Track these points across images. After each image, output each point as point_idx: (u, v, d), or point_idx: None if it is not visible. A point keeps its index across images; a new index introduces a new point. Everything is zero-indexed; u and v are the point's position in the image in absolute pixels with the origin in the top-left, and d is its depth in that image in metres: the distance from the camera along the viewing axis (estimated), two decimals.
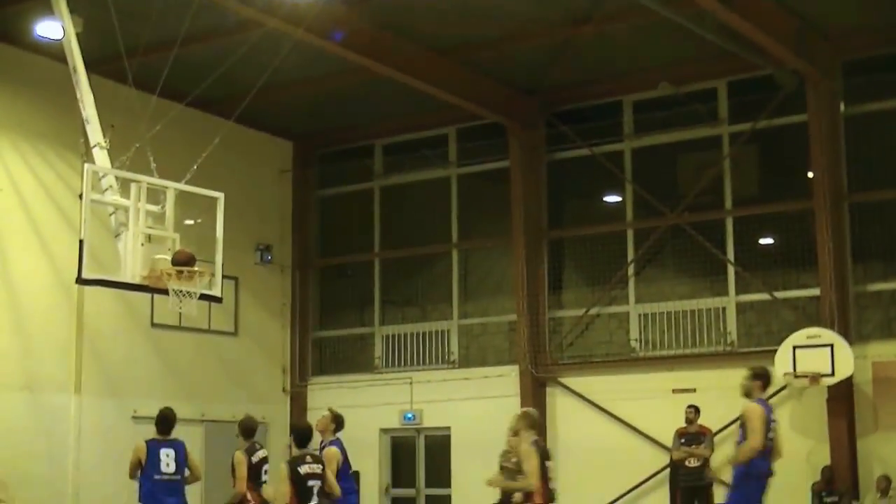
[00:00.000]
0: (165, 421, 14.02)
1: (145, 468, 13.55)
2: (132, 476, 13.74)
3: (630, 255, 23.53)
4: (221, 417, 24.45)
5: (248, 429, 14.91)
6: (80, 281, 17.97)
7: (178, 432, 23.80)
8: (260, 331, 26.06)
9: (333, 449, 14.67)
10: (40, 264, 21.87)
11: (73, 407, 22.07)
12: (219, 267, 19.17)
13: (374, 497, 25.19)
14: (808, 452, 20.77)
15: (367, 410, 25.28)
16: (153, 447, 13.67)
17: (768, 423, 13.38)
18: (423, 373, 25.14)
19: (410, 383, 25.05)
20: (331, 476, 12.57)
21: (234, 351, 25.34)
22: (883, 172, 21.44)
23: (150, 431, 23.34)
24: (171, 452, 13.74)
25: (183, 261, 14.38)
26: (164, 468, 13.63)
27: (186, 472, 14.52)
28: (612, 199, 24.45)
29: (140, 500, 13.64)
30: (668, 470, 21.16)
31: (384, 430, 25.32)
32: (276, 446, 25.81)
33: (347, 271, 27.36)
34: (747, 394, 13.83)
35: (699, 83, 23.01)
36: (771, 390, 20.83)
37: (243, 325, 25.64)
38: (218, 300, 19.73)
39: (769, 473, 13.29)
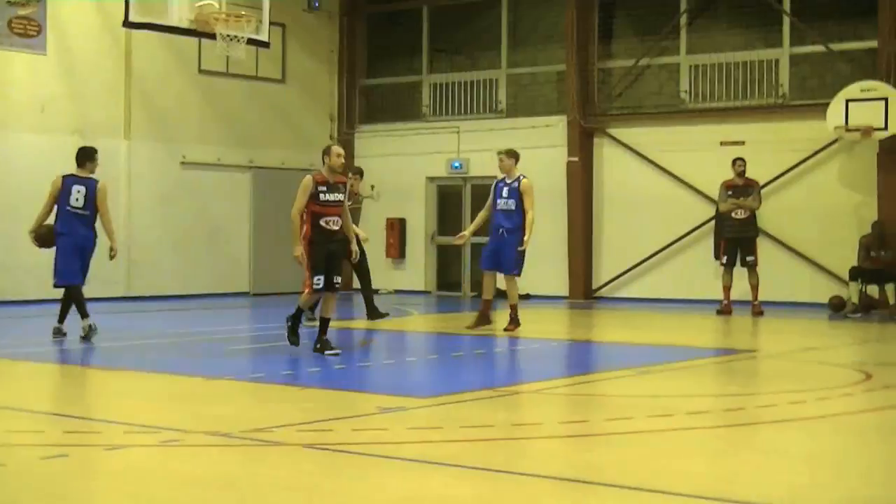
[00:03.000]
0: (79, 154, 14.65)
1: (60, 199, 14.43)
2: (47, 208, 14.47)
3: (683, 5, 23.05)
4: (269, 164, 24.67)
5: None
6: (127, 24, 17.90)
7: (226, 178, 24.23)
8: (308, 78, 25.98)
9: (528, 180, 16.04)
10: (87, 8, 21.76)
11: (123, 151, 22.31)
12: (266, 11, 19.00)
13: (420, 244, 25.52)
14: (857, 206, 20.75)
15: (414, 159, 25.41)
16: (68, 182, 14.52)
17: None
18: (471, 122, 25.09)
19: (458, 132, 25.04)
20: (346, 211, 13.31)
21: (281, 98, 25.34)
22: None
23: (199, 177, 23.76)
24: (83, 189, 14.54)
25: None
26: (73, 202, 14.47)
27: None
28: None
29: (55, 224, 14.51)
30: (713, 221, 21.25)
31: (431, 179, 25.45)
32: None
33: (397, 19, 27.04)
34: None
35: None
36: (821, 143, 20.91)
37: (291, 72, 25.55)
38: (265, 45, 19.65)
39: None
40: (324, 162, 13.02)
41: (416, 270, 25.62)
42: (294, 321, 13.33)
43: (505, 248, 15.89)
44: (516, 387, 10.84)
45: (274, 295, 23.90)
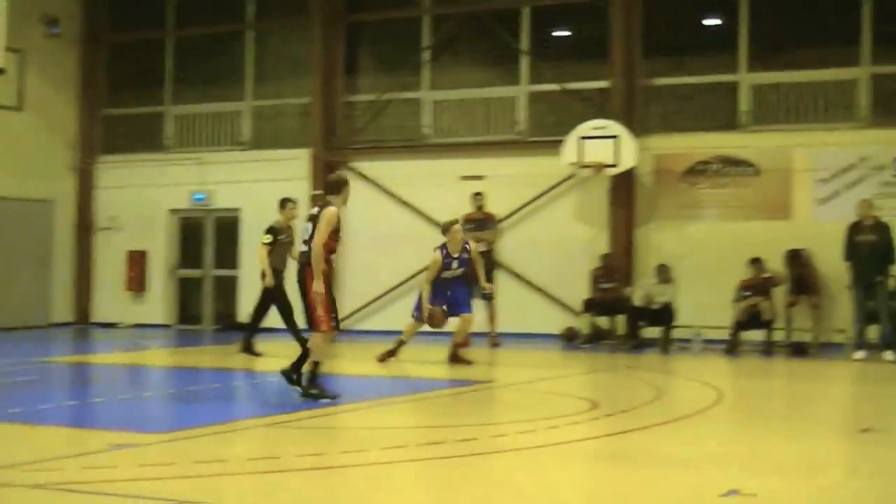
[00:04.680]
0: None
1: None
2: None
3: (425, 41, 23.50)
4: (6, 194, 23.94)
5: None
6: None
7: None
8: (46, 106, 25.28)
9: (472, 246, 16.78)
10: None
11: None
12: (1, 37, 18.50)
13: (161, 277, 25.16)
14: (590, 240, 21.50)
15: (156, 190, 25.08)
16: None
17: None
18: (214, 154, 24.92)
19: (200, 164, 24.82)
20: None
21: (18, 126, 24.59)
22: None
23: None
24: None
25: None
26: None
27: None
28: None
29: None
30: None
31: (173, 211, 25.16)
32: (63, 223, 25.48)
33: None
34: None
35: None
36: (557, 179, 21.62)
37: (29, 99, 24.80)
38: (0, 71, 19.12)
39: None
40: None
41: (157, 304, 25.23)
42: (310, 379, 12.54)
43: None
44: (254, 420, 10.83)
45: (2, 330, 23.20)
